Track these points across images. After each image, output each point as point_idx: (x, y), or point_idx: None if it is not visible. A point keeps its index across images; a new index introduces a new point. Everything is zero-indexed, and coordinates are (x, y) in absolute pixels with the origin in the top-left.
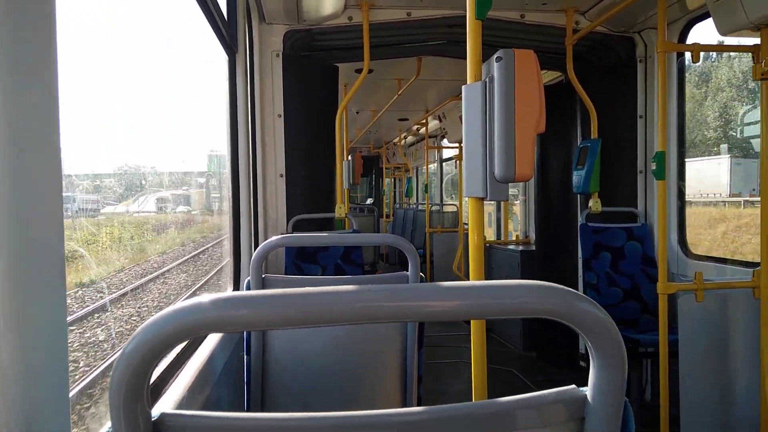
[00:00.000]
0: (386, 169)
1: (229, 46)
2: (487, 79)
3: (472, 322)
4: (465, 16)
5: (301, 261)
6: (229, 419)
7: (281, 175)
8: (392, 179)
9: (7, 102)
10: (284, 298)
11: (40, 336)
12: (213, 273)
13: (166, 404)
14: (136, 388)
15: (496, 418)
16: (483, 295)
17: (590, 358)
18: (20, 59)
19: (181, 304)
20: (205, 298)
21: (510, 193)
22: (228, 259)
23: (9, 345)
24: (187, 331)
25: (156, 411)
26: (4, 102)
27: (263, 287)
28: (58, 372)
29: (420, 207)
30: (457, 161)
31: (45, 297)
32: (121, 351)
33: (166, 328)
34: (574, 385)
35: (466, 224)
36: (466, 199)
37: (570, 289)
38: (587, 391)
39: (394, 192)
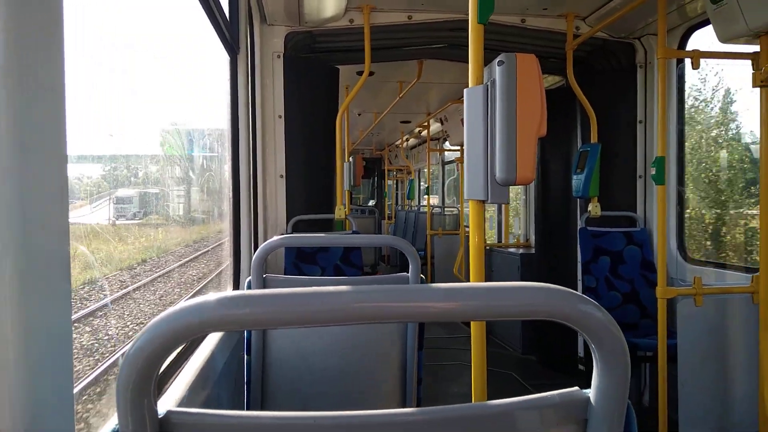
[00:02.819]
0: (388, 171)
1: (231, 46)
2: (488, 83)
3: (472, 324)
4: (466, 20)
5: (301, 262)
6: (235, 417)
7: (281, 176)
8: (394, 181)
9: (13, 102)
10: (291, 297)
11: (46, 337)
12: None
13: (166, 402)
14: (143, 385)
15: (497, 420)
16: (486, 296)
17: (593, 360)
18: (27, 59)
19: (187, 302)
20: (211, 297)
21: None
22: None
23: (15, 345)
24: (194, 329)
25: (162, 408)
26: (9, 102)
27: (264, 287)
28: (62, 372)
29: (422, 209)
30: (459, 164)
31: (50, 298)
32: (128, 348)
33: (173, 325)
34: (577, 387)
35: (467, 227)
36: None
37: (572, 291)
38: (590, 393)
39: (396, 194)
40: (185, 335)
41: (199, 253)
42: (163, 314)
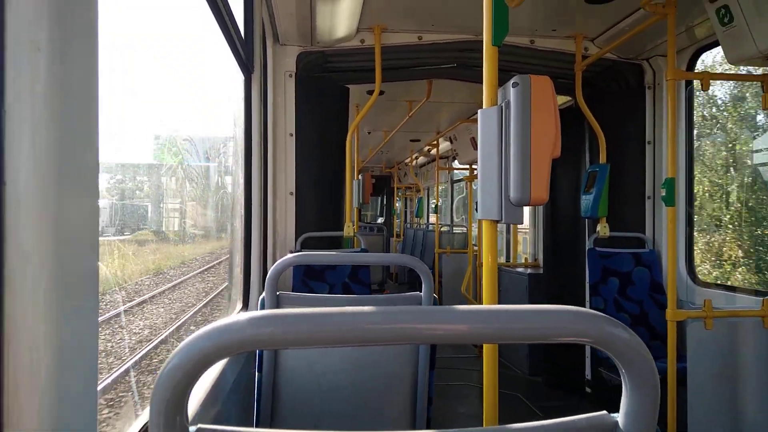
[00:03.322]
0: (397, 189)
1: (246, 66)
2: (503, 104)
3: (484, 346)
4: (475, 41)
5: (309, 278)
6: None
7: (291, 193)
8: (403, 199)
9: (50, 109)
10: (326, 317)
11: (73, 345)
12: None
13: None
14: (176, 403)
15: None
16: (513, 319)
17: (623, 383)
18: (64, 73)
19: (220, 322)
20: (243, 316)
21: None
22: None
23: (45, 353)
24: (228, 348)
25: (193, 425)
26: (47, 108)
27: (278, 305)
28: (87, 382)
29: (430, 227)
30: (467, 183)
31: (79, 309)
32: (163, 367)
33: (207, 345)
34: (605, 411)
35: (476, 246)
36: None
37: (602, 314)
38: (618, 417)
39: (405, 212)
40: (218, 355)
41: (167, 287)
42: (196, 334)
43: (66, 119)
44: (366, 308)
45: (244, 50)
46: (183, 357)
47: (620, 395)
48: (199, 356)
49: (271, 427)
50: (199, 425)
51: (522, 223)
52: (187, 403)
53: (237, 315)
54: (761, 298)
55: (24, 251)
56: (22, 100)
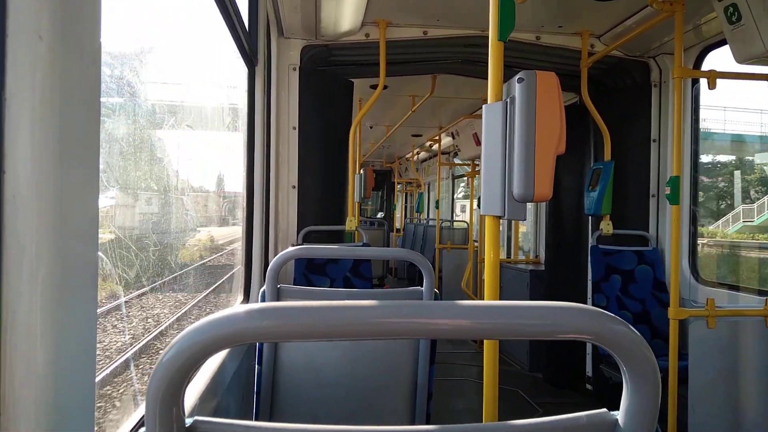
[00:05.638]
0: (398, 183)
1: (250, 58)
2: (507, 100)
3: (485, 342)
4: (481, 36)
5: (311, 272)
6: (262, 429)
7: (293, 187)
8: (404, 194)
9: (51, 98)
10: (327, 311)
11: (72, 339)
12: None
13: None
14: (173, 395)
15: None
16: (517, 315)
17: (623, 382)
18: (66, 71)
19: (219, 314)
20: (241, 308)
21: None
22: None
23: (43, 348)
24: (226, 340)
25: (189, 417)
26: (47, 98)
27: (279, 298)
28: (85, 374)
29: (431, 222)
30: (469, 178)
31: (78, 303)
32: (159, 358)
33: (205, 337)
34: (605, 409)
35: (476, 241)
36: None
37: (604, 311)
38: (618, 415)
39: (406, 207)
40: (215, 347)
41: None
42: (193, 326)
43: (67, 109)
44: (365, 302)
45: (249, 43)
46: (180, 348)
47: (621, 393)
48: (196, 348)
49: (270, 420)
50: (196, 417)
51: (525, 219)
52: (183, 394)
53: (235, 307)
54: (764, 298)
55: (21, 243)
56: (23, 89)
